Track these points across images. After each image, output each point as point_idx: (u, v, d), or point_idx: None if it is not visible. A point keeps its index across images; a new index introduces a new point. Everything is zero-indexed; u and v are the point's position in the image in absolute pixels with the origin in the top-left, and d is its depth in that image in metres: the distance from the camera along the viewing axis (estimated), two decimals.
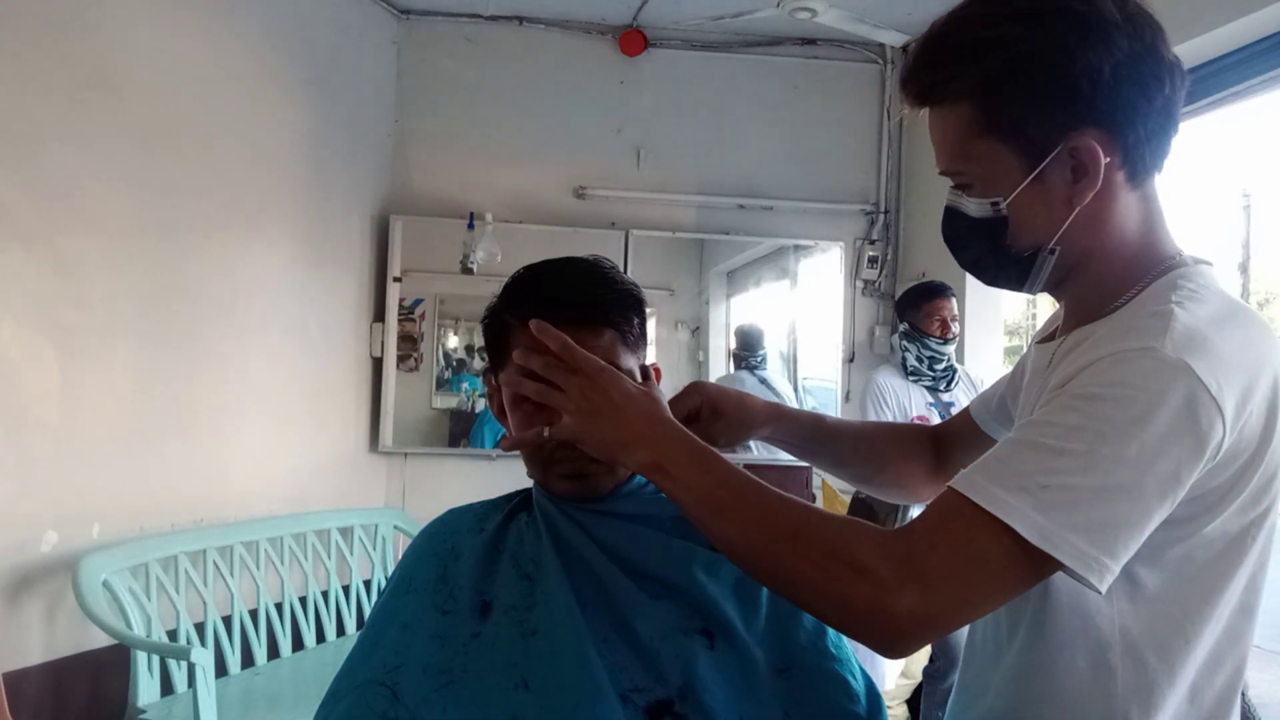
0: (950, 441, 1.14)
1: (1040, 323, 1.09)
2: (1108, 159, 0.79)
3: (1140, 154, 0.81)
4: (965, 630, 0.91)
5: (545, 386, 0.87)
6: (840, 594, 0.73)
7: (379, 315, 3.52)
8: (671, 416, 0.87)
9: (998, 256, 0.86)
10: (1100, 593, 0.70)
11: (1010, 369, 1.10)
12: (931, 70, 0.83)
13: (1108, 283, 0.84)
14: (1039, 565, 0.70)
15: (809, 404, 3.93)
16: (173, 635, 2.48)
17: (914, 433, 1.18)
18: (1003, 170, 0.81)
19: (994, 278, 0.91)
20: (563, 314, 0.96)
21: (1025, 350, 1.04)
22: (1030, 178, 0.80)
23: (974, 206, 0.84)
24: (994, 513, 0.70)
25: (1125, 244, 0.83)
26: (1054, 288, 0.88)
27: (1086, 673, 0.80)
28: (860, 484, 1.18)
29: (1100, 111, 0.78)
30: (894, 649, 0.73)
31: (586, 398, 0.85)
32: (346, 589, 3.11)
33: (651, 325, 3.81)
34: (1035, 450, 0.73)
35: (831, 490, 3.39)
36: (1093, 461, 0.70)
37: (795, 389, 3.96)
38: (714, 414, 1.07)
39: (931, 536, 0.72)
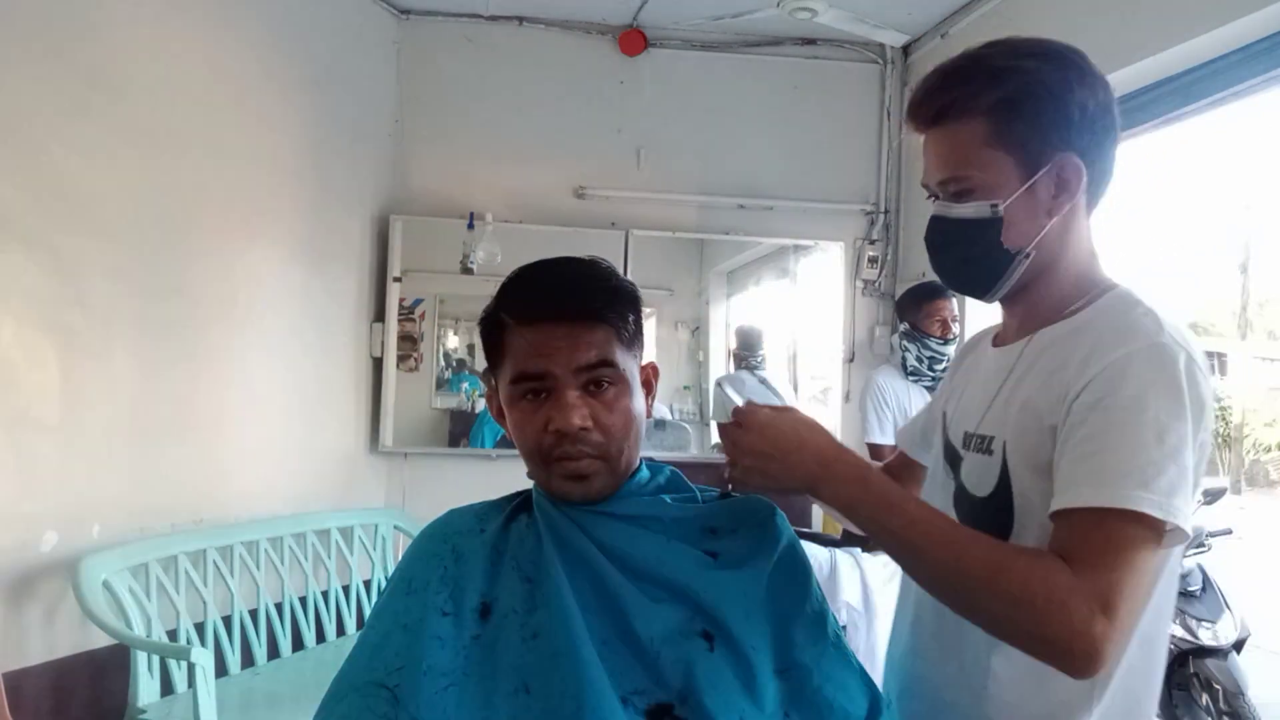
0: (895, 472, 1.30)
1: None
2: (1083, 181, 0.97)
3: (1098, 185, 1.01)
4: None
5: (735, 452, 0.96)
6: (1040, 632, 0.83)
7: (379, 315, 3.52)
8: (838, 449, 0.95)
9: (979, 256, 1.00)
10: (1189, 534, 0.87)
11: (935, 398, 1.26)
12: (951, 91, 0.98)
13: (1063, 291, 1.01)
14: (1159, 536, 0.85)
15: (809, 406, 3.93)
16: (173, 635, 2.48)
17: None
18: (1003, 178, 0.97)
19: (965, 280, 1.07)
20: (558, 310, 0.96)
21: (956, 365, 1.23)
22: (1026, 186, 0.97)
23: (971, 209, 0.99)
24: (1128, 507, 0.83)
25: (1078, 260, 1.02)
26: (1012, 295, 1.04)
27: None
28: None
29: (1081, 141, 0.97)
30: (1089, 672, 0.83)
31: (755, 450, 0.94)
32: (346, 589, 3.11)
33: (651, 325, 3.81)
34: (1112, 453, 0.86)
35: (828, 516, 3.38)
36: (1162, 447, 0.85)
37: (795, 389, 3.96)
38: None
39: (1088, 561, 0.84)
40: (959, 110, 0.98)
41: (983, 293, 1.05)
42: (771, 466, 0.93)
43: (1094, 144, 0.98)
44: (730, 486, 0.99)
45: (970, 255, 1.01)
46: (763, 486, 0.96)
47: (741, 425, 0.96)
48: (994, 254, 0.99)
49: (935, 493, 1.13)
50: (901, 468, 1.32)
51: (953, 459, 1.10)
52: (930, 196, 1.06)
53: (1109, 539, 0.84)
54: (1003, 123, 0.96)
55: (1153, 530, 0.84)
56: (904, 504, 0.91)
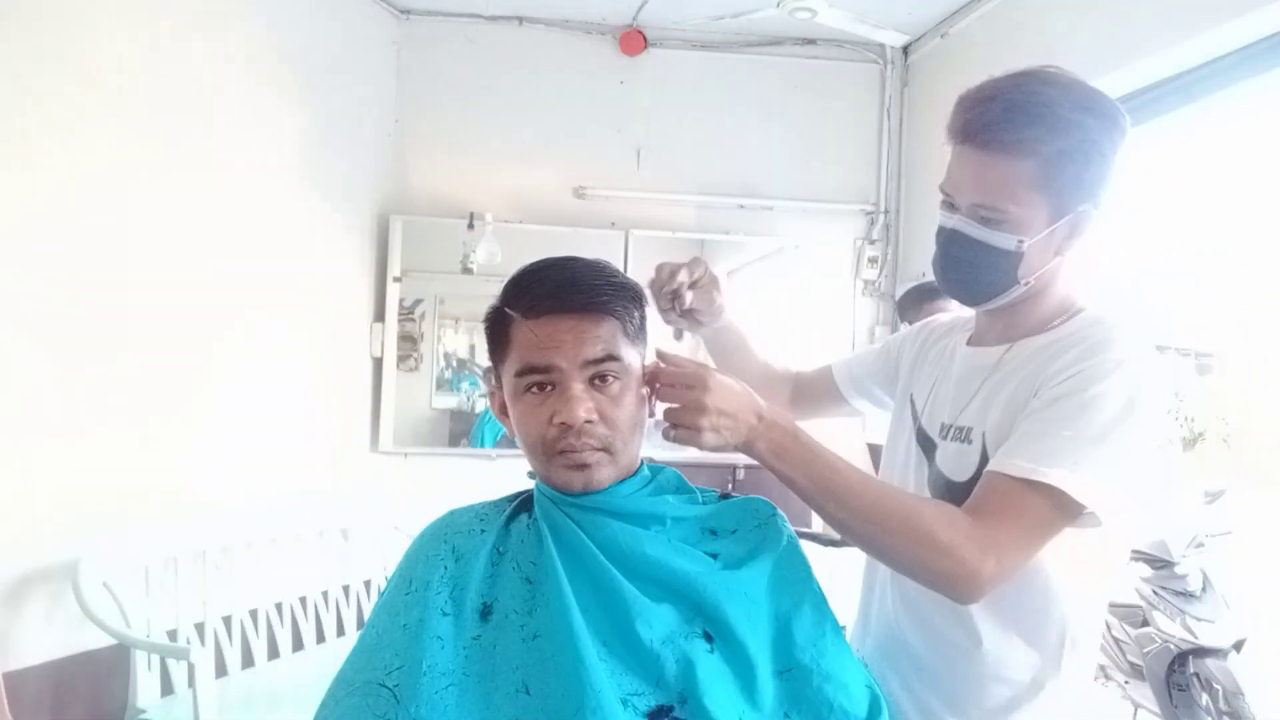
0: (804, 388, 1.51)
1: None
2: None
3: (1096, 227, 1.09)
4: None
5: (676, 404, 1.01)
6: (936, 568, 0.96)
7: (379, 315, 3.52)
8: (771, 408, 1.01)
9: (989, 278, 1.08)
10: (1102, 522, 0.98)
11: (884, 349, 1.41)
12: (1021, 129, 1.02)
13: (1048, 309, 1.11)
14: (1072, 513, 0.97)
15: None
16: (173, 635, 2.48)
17: (784, 376, 1.52)
18: (1034, 218, 1.05)
19: (965, 291, 1.15)
20: (564, 304, 0.97)
21: (921, 348, 1.32)
22: (1050, 229, 1.05)
23: (998, 238, 1.06)
24: (1042, 480, 0.96)
25: (1064, 285, 1.11)
26: (997, 308, 1.12)
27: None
28: None
29: (1103, 194, 1.05)
30: (970, 601, 1.00)
31: (717, 409, 0.98)
32: (346, 589, 3.11)
33: (652, 324, 3.80)
34: (1056, 438, 0.98)
35: None
36: (1100, 446, 0.97)
37: None
38: (714, 285, 1.32)
39: (998, 515, 0.97)
40: (1021, 150, 1.02)
41: (974, 303, 1.16)
42: (724, 423, 0.98)
43: (1108, 194, 1.06)
44: (671, 436, 1.01)
45: (980, 275, 1.09)
46: (713, 444, 0.98)
47: (697, 386, 0.98)
48: (1003, 279, 1.08)
49: (909, 473, 1.22)
50: (812, 385, 1.50)
51: (926, 445, 1.19)
52: (946, 204, 1.11)
53: (1021, 504, 0.97)
54: (1053, 172, 1.02)
55: (1063, 508, 0.97)
56: (828, 455, 1.01)
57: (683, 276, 1.27)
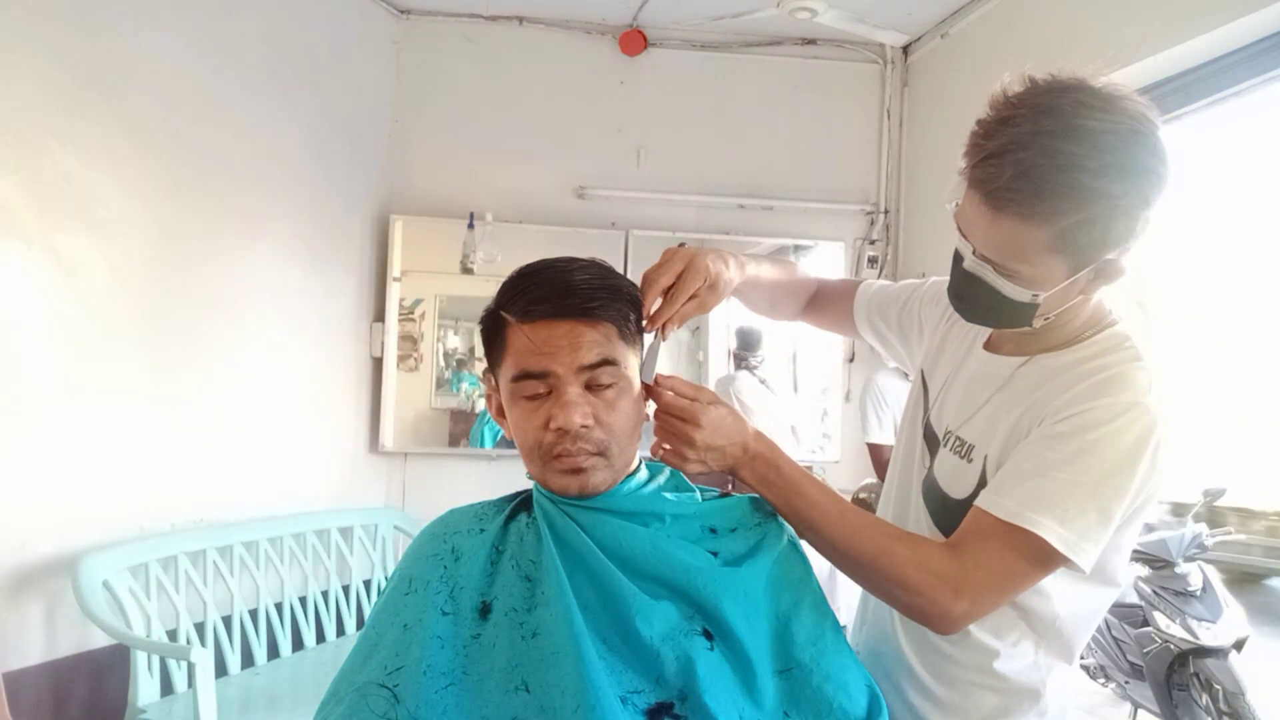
0: (824, 294, 1.43)
1: None
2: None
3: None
4: None
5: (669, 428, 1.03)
6: (908, 604, 0.99)
7: (379, 315, 3.52)
8: (756, 434, 1.04)
9: (1004, 318, 1.04)
10: (1086, 571, 0.97)
11: (907, 300, 1.34)
12: (1033, 200, 0.92)
13: (1070, 330, 1.06)
14: (1055, 563, 0.97)
15: (809, 406, 3.93)
16: (173, 635, 2.48)
17: (806, 286, 1.43)
18: (1051, 275, 0.97)
19: (982, 323, 1.11)
20: (560, 309, 0.96)
21: (923, 302, 1.30)
22: (1069, 280, 0.97)
23: (1010, 289, 0.99)
24: (1028, 529, 0.95)
25: (1087, 308, 1.05)
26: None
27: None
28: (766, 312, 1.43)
29: (1134, 241, 0.96)
30: (948, 635, 1.03)
31: (708, 445, 1.01)
32: (346, 589, 3.11)
33: None
34: (1051, 479, 0.96)
35: None
36: (1095, 497, 0.95)
37: (795, 389, 3.96)
38: (709, 288, 1.18)
39: (976, 557, 0.97)
40: (1034, 221, 0.93)
41: (989, 326, 1.13)
42: (711, 456, 1.02)
43: (1143, 234, 0.96)
44: (658, 457, 1.05)
45: (996, 316, 1.05)
46: (699, 471, 1.04)
47: (689, 421, 1.01)
48: (1020, 320, 1.03)
49: (911, 470, 1.20)
50: (833, 293, 1.43)
51: (930, 440, 1.18)
52: (963, 239, 1.02)
53: (1002, 549, 0.97)
54: (1070, 239, 0.93)
55: (1047, 557, 0.96)
56: (809, 488, 1.03)
57: (665, 312, 1.09)
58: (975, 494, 1.04)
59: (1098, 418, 0.96)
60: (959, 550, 0.98)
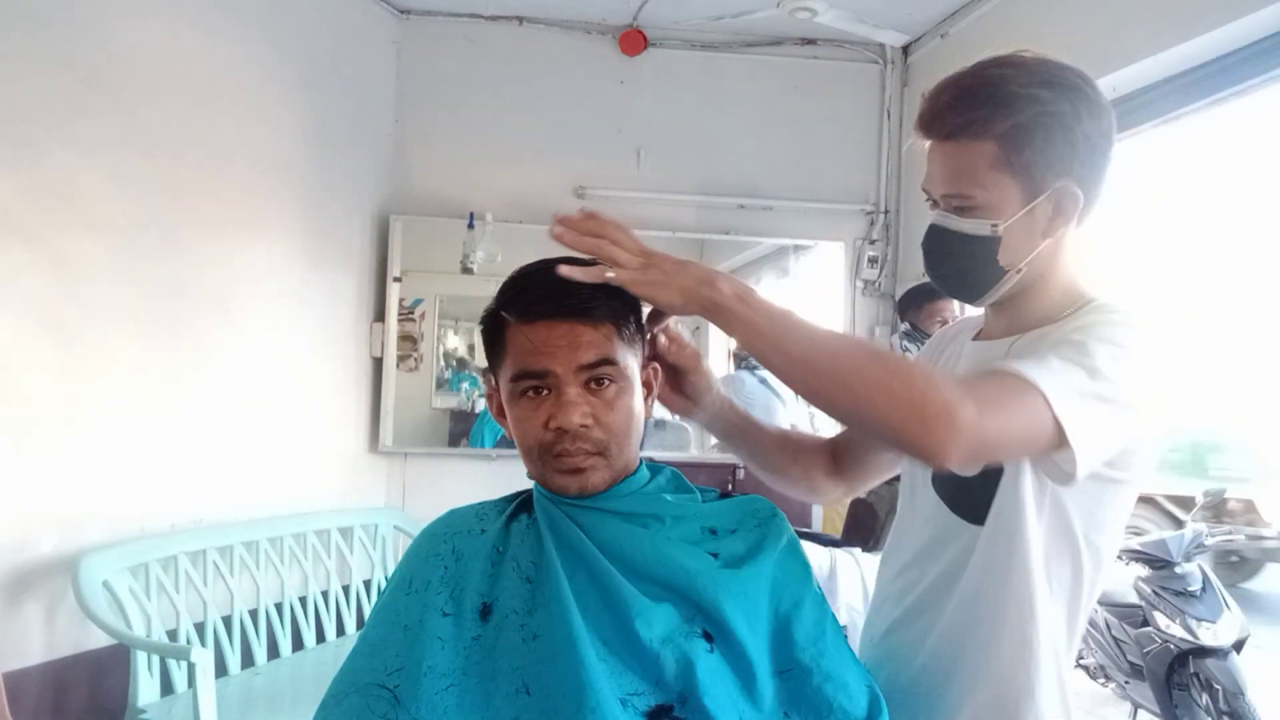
0: (846, 447, 1.31)
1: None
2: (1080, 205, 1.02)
3: (1090, 208, 1.05)
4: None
5: (597, 241, 0.98)
6: (919, 395, 0.87)
7: (379, 315, 3.52)
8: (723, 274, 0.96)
9: (974, 269, 1.05)
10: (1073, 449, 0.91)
11: None
12: (968, 111, 1.01)
13: (1051, 300, 1.07)
14: (1047, 429, 0.90)
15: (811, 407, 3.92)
16: (173, 635, 2.48)
17: (812, 444, 1.33)
18: (1005, 200, 1.01)
19: (957, 288, 1.12)
20: (559, 309, 0.96)
21: (933, 358, 1.26)
22: (1026, 209, 1.01)
23: (971, 225, 1.03)
24: (1038, 385, 0.90)
25: (1066, 273, 1.07)
26: (1000, 301, 1.09)
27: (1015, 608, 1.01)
28: (773, 475, 1.31)
29: (1081, 168, 1.01)
30: (944, 450, 0.87)
31: (645, 254, 0.97)
32: (346, 589, 3.11)
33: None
34: (1047, 360, 0.93)
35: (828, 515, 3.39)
36: (1093, 380, 0.92)
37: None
38: (697, 367, 1.15)
39: (982, 386, 0.92)
40: (972, 131, 1.00)
41: (972, 299, 1.12)
42: (655, 275, 0.95)
43: (1093, 170, 1.02)
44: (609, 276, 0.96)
45: (965, 267, 1.06)
46: (658, 283, 0.95)
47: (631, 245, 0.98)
48: (988, 268, 1.04)
49: (918, 475, 1.17)
50: (857, 440, 1.30)
51: None
52: (929, 202, 1.09)
53: (1004, 389, 0.91)
54: (1012, 149, 0.99)
55: (1042, 417, 0.90)
56: (775, 305, 0.95)
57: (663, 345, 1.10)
58: (982, 470, 1.01)
59: (1095, 326, 0.98)
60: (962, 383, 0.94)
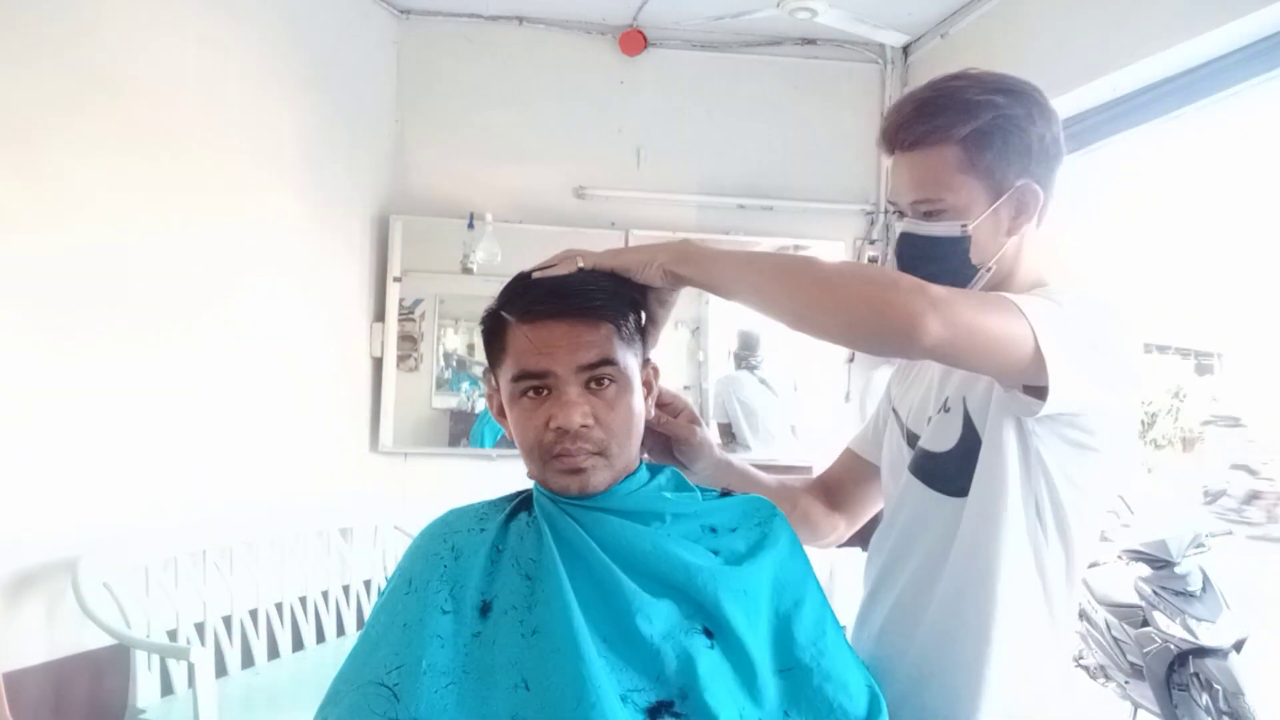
0: (836, 480, 1.39)
1: None
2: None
3: (1047, 206, 1.11)
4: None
5: (567, 253, 1.04)
6: (891, 277, 0.93)
7: (379, 315, 3.52)
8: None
9: (949, 269, 1.08)
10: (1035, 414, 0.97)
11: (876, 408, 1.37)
12: (930, 119, 1.07)
13: (1018, 291, 1.06)
14: (1024, 344, 0.93)
15: (809, 406, 3.93)
16: (173, 635, 2.48)
17: (804, 485, 1.39)
18: (972, 200, 1.08)
19: None
20: (559, 309, 0.97)
21: (902, 373, 1.32)
22: (991, 209, 1.08)
23: (942, 228, 1.09)
24: (1020, 305, 0.94)
25: (1032, 270, 1.13)
26: None
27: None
28: None
29: (1038, 168, 1.08)
30: (923, 321, 0.88)
31: (619, 250, 1.05)
32: (346, 589, 3.11)
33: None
34: (1046, 303, 0.97)
35: None
36: (1064, 329, 0.96)
37: (795, 389, 3.96)
38: (691, 422, 1.23)
39: (973, 294, 1.00)
40: (936, 138, 1.07)
41: None
42: (624, 252, 1.04)
43: (1049, 171, 1.10)
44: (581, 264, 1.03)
45: (941, 269, 1.08)
46: (625, 253, 1.04)
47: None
48: (963, 267, 1.09)
49: (899, 469, 1.21)
50: (846, 470, 1.39)
51: (912, 439, 1.20)
52: (896, 214, 1.15)
53: (994, 299, 0.96)
54: (974, 152, 1.06)
55: (1025, 328, 0.93)
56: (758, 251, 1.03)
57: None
58: (960, 442, 1.07)
59: (1073, 294, 1.02)
60: None
